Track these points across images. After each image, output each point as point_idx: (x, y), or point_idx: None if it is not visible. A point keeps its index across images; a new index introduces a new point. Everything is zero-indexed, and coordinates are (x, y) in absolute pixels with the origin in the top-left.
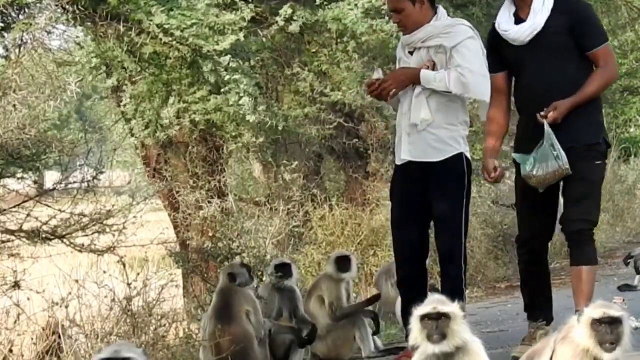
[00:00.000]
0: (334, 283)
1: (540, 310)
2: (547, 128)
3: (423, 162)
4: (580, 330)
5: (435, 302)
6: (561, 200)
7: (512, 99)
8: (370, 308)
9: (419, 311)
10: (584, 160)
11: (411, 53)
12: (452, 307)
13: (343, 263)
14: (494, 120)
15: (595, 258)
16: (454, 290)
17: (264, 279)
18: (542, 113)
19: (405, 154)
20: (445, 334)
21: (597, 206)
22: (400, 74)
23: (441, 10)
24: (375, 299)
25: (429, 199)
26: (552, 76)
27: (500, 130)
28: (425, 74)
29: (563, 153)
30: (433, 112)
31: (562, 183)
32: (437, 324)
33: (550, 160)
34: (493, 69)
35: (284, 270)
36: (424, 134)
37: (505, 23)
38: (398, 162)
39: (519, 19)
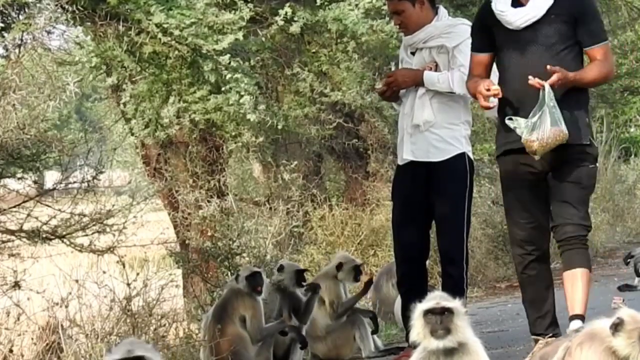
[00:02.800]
0: (333, 282)
1: (550, 319)
2: (547, 89)
3: (425, 162)
4: (620, 341)
5: (437, 298)
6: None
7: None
8: (370, 307)
9: (421, 307)
10: (578, 162)
11: (413, 54)
12: (455, 303)
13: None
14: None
15: (590, 264)
16: (456, 290)
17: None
18: (536, 79)
19: (407, 153)
20: (449, 329)
21: (588, 211)
22: (403, 74)
23: (442, 10)
24: (369, 284)
25: (431, 198)
26: (545, 66)
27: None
28: (428, 75)
29: (562, 117)
30: (435, 113)
31: (552, 185)
32: (441, 319)
33: (552, 123)
34: (478, 48)
35: (298, 276)
36: (426, 133)
37: (502, 3)
38: (400, 162)
39: (516, 1)
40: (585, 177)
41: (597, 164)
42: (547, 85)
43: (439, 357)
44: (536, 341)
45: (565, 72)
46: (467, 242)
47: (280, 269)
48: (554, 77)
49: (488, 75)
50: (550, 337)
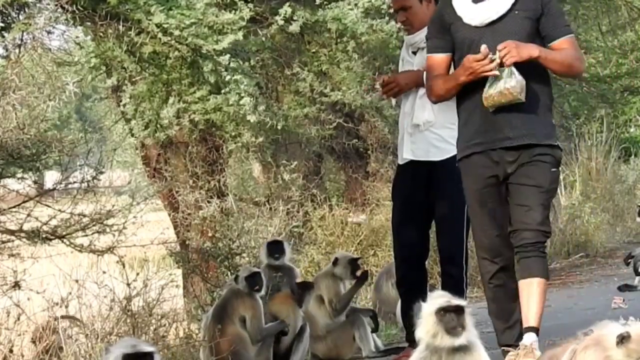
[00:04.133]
0: (331, 280)
1: (519, 329)
2: (496, 58)
3: (425, 162)
4: (620, 355)
5: (445, 296)
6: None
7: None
8: (370, 307)
9: (432, 305)
10: (541, 165)
11: (414, 53)
12: (463, 301)
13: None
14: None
15: (547, 272)
16: (455, 290)
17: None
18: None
19: (407, 153)
20: (464, 326)
21: (548, 216)
22: (405, 77)
23: None
24: (364, 275)
25: (431, 198)
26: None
27: None
28: None
29: (520, 79)
30: (435, 112)
31: (512, 188)
32: (456, 316)
33: (504, 80)
34: (438, 47)
35: (277, 248)
36: (426, 133)
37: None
38: (400, 162)
39: None
40: (547, 181)
41: (560, 168)
42: (496, 56)
43: (441, 356)
44: (505, 352)
45: (518, 43)
46: (467, 241)
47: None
48: (503, 49)
49: None
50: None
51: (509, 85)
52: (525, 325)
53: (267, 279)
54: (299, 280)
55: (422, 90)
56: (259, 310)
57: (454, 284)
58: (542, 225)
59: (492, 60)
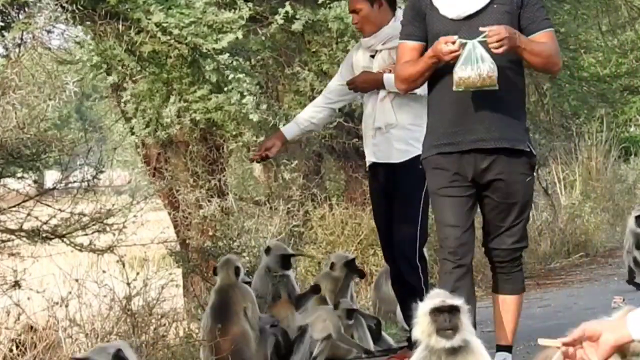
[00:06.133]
0: (333, 282)
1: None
2: (480, 38)
3: (387, 164)
4: None
5: (441, 295)
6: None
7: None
8: (370, 307)
9: (426, 305)
10: (515, 174)
11: (372, 56)
12: (459, 300)
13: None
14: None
15: (523, 284)
16: (413, 290)
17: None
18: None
19: (369, 155)
20: (457, 327)
21: (526, 227)
22: (363, 79)
23: (399, 11)
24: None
25: (392, 199)
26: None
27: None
28: (387, 77)
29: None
30: (396, 114)
31: (485, 198)
32: (449, 317)
33: (481, 63)
34: (411, 34)
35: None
36: (388, 135)
37: None
38: (367, 164)
39: None
40: (522, 194)
41: (535, 175)
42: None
43: (440, 357)
44: None
45: (510, 29)
46: (424, 242)
47: (267, 250)
48: (494, 35)
49: None
50: None
51: (489, 69)
52: (497, 342)
53: (270, 284)
54: (296, 286)
55: (382, 93)
56: (254, 298)
57: (410, 286)
58: (518, 241)
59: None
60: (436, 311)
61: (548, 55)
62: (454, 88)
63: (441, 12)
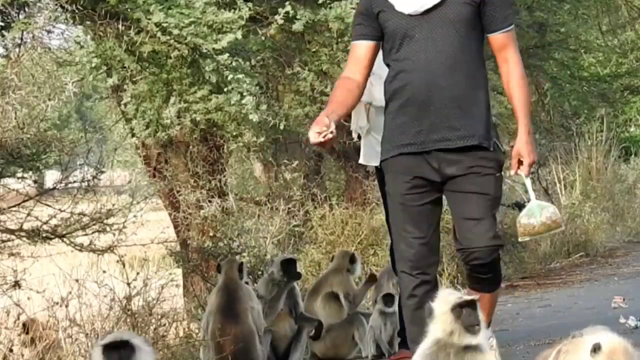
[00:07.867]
0: (343, 276)
1: None
2: (527, 183)
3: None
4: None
5: (454, 293)
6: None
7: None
8: (370, 305)
9: (445, 303)
10: (483, 171)
11: None
12: (475, 295)
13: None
14: (344, 87)
15: (500, 279)
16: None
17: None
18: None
19: (360, 157)
20: (480, 323)
21: (496, 225)
22: None
23: None
24: (373, 278)
25: None
26: (450, 55)
27: (346, 101)
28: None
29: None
30: (370, 118)
31: (452, 198)
32: (475, 313)
33: (541, 208)
34: (361, 34)
35: (289, 267)
36: (369, 138)
37: None
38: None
39: None
40: (493, 188)
41: (503, 172)
42: (527, 181)
43: (449, 354)
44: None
45: (527, 149)
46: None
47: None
48: (525, 171)
49: (370, 67)
50: None
51: (552, 214)
52: None
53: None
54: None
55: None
56: (256, 297)
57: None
58: (493, 239)
59: None
60: (459, 307)
61: (527, 88)
62: (520, 239)
63: (397, 8)
